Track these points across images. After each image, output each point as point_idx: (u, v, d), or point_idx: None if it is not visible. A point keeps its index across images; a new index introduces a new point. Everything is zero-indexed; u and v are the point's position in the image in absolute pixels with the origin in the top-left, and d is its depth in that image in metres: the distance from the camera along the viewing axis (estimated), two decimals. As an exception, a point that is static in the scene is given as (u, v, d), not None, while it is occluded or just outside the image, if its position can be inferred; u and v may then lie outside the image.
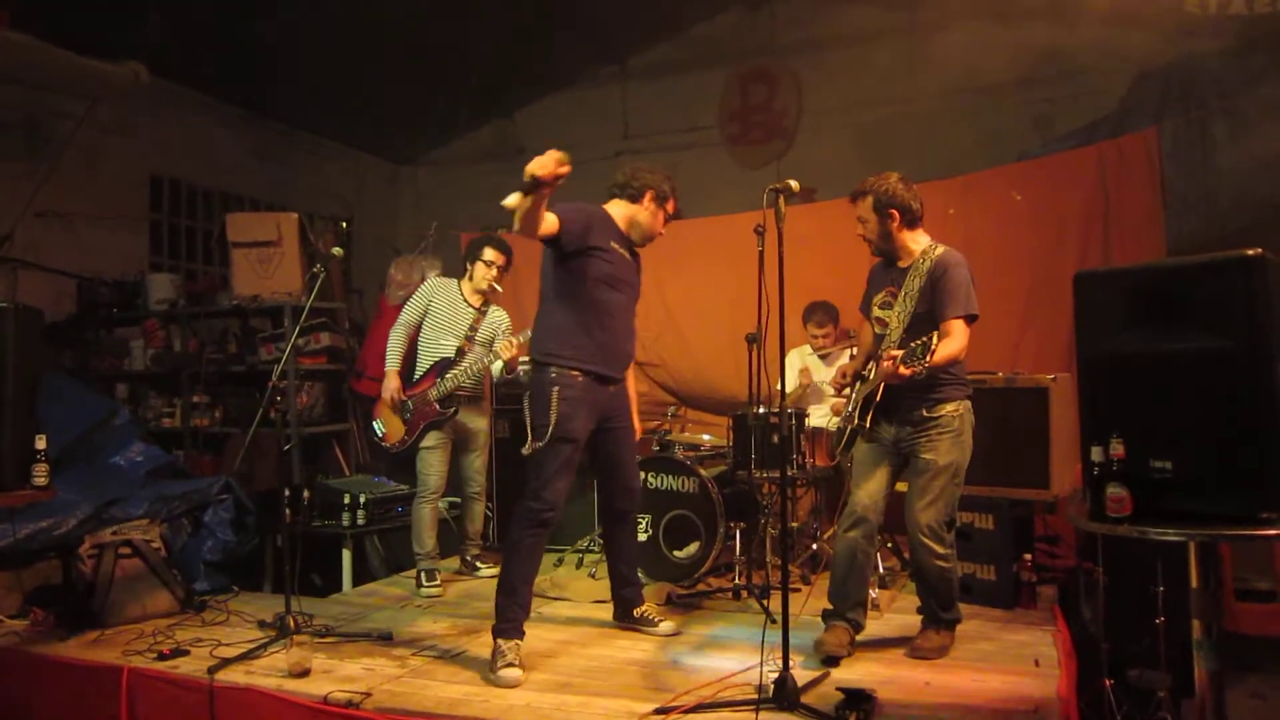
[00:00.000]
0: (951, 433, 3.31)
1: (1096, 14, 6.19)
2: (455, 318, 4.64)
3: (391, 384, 4.59)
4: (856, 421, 3.43)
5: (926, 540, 3.31)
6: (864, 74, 7.39)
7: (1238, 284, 2.24)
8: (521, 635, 3.36)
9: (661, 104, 8.00)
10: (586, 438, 3.52)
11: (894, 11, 7.09)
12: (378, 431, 4.69)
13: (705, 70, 8.03)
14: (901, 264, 3.44)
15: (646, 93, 8.09)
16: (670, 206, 3.69)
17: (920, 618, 3.49)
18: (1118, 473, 2.30)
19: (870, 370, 3.50)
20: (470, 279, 4.68)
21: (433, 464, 4.58)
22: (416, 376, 4.65)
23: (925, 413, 3.32)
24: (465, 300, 4.68)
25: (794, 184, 3.05)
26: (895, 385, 3.27)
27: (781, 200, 3.02)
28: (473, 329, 4.64)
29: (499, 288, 4.70)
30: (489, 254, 4.63)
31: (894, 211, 3.37)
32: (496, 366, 4.58)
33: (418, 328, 4.68)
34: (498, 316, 4.76)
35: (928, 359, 3.01)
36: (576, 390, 3.44)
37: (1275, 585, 3.87)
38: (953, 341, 3.20)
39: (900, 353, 3.11)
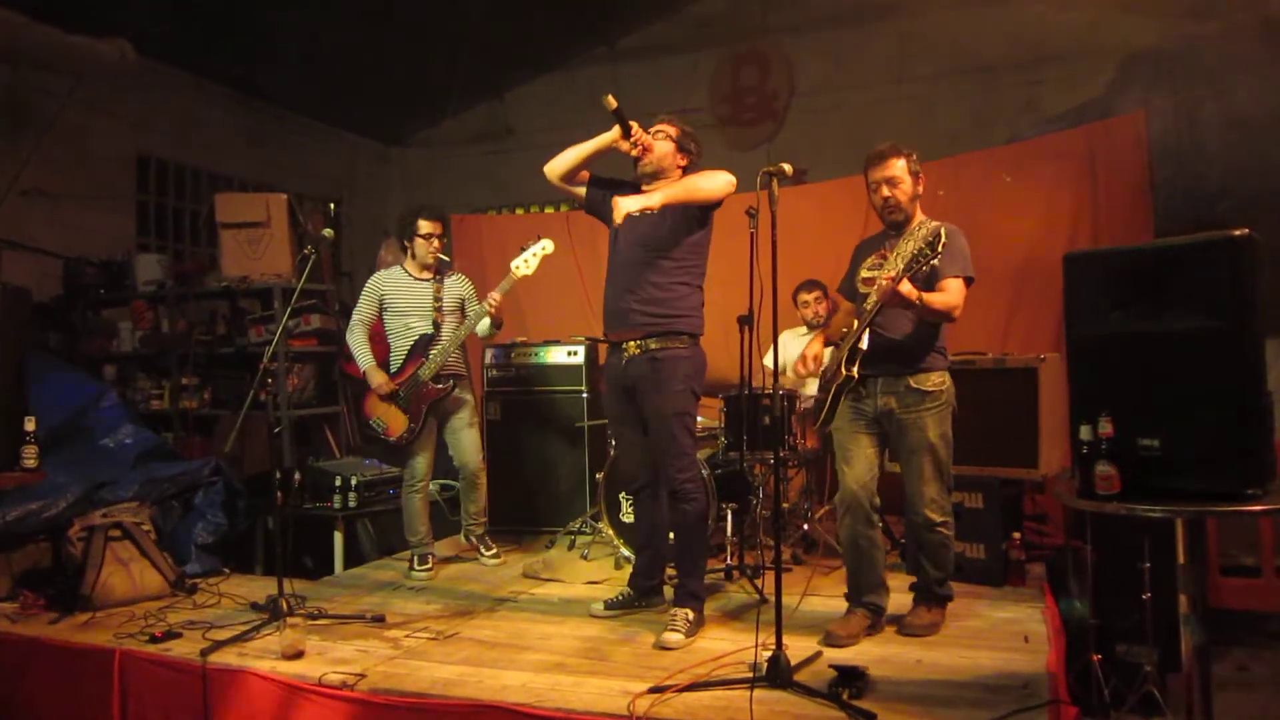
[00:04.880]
0: (938, 406, 3.32)
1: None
2: (415, 297, 4.51)
3: (377, 378, 4.43)
4: (845, 373, 3.24)
5: (930, 513, 3.34)
6: (855, 56, 7.40)
7: (1225, 264, 2.27)
8: (681, 604, 3.43)
9: (652, 85, 7.94)
10: (630, 411, 3.54)
11: (885, -7, 7.08)
12: (377, 428, 4.50)
13: (696, 51, 7.99)
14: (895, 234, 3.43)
15: (637, 74, 8.03)
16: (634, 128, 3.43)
17: (911, 596, 3.52)
18: (1106, 451, 2.33)
19: (849, 328, 3.35)
20: (414, 258, 4.54)
21: (415, 449, 4.50)
22: (399, 365, 4.49)
23: (912, 383, 3.30)
24: (415, 278, 4.55)
25: (787, 167, 3.03)
26: (881, 337, 3.22)
27: (775, 183, 3.02)
28: (437, 299, 4.47)
29: (445, 258, 4.56)
30: (425, 227, 4.48)
31: (921, 176, 3.38)
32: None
33: (376, 322, 4.56)
34: (456, 279, 4.58)
35: (940, 247, 2.97)
36: (606, 363, 3.64)
37: (1260, 561, 3.93)
38: (951, 295, 3.19)
39: (898, 269, 3.05)
